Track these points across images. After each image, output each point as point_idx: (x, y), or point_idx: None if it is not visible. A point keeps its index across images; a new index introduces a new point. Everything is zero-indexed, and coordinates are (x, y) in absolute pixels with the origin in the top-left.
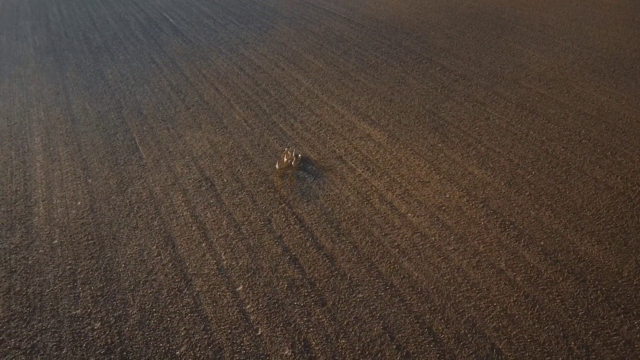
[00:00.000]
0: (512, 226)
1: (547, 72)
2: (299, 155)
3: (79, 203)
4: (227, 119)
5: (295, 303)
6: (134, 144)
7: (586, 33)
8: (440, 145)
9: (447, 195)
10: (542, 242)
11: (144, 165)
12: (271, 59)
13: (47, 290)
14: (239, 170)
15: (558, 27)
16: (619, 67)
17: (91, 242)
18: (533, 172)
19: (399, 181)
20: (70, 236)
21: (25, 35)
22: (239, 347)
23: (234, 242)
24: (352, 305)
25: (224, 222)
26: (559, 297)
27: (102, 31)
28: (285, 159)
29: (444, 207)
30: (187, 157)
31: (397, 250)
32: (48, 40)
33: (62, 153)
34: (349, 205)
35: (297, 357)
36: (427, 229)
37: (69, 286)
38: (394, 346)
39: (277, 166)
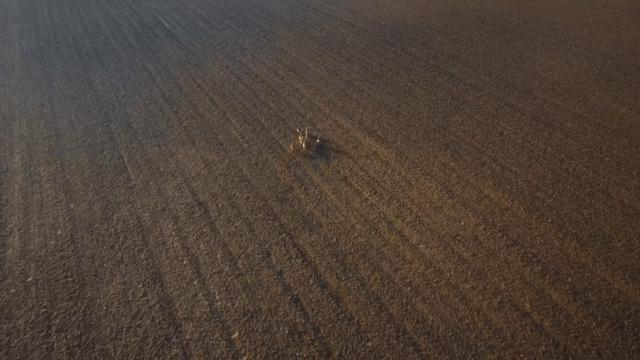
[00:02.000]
0: (535, 259)
1: (561, 81)
2: (314, 138)
3: (59, 232)
4: (223, 134)
5: (298, 354)
6: (122, 162)
7: (598, 38)
8: (452, 164)
9: (462, 223)
10: (569, 279)
11: (132, 187)
12: (270, 67)
13: (15, 341)
14: (235, 193)
15: (568, 32)
16: (636, 74)
17: (70, 279)
18: (554, 195)
19: (409, 206)
20: (47, 272)
21: (12, 40)
22: None
23: (229, 279)
24: (361, 356)
25: (219, 254)
26: (594, 346)
27: (94, 36)
28: (299, 142)
29: (459, 237)
30: (179, 178)
31: (409, 288)
32: (36, 45)
33: (43, 173)
34: (355, 235)
35: None
36: (441, 263)
37: (41, 334)
38: None
39: (291, 147)
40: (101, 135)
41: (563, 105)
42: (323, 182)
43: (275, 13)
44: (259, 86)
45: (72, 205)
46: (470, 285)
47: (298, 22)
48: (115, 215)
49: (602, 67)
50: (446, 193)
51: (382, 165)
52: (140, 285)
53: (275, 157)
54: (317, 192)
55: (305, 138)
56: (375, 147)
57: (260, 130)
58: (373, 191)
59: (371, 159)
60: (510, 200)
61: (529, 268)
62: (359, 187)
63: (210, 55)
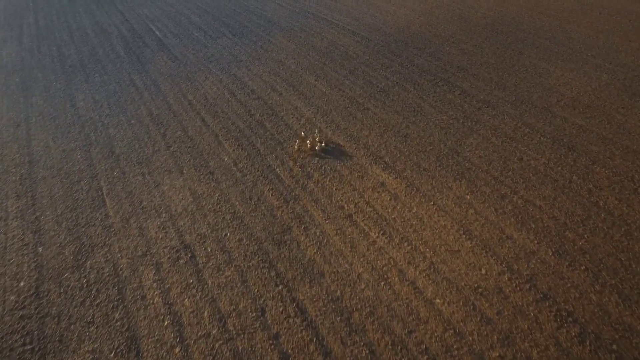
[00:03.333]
0: (570, 319)
1: (581, 97)
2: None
3: (21, 284)
4: (214, 161)
5: None
6: (101, 195)
7: (616, 47)
8: (468, 197)
9: (483, 271)
10: (614, 346)
11: (110, 226)
12: (267, 81)
13: None
14: (226, 234)
15: (584, 41)
16: None
17: (29, 347)
18: (585, 236)
19: (422, 250)
20: (1, 339)
21: None
22: None
23: (217, 345)
24: None
25: (206, 312)
26: None
27: (80, 46)
28: (304, 142)
29: (480, 289)
30: (163, 215)
31: (425, 356)
32: (17, 56)
33: (11, 209)
34: (362, 287)
35: None
36: (462, 323)
37: None
38: None
39: (296, 147)
40: (79, 162)
41: (585, 125)
42: (325, 220)
43: (273, 20)
44: (254, 104)
45: (40, 249)
46: (497, 354)
47: (297, 30)
48: (89, 262)
49: (623, 80)
50: (463, 233)
51: (390, 198)
52: (112, 354)
53: (272, 189)
54: (318, 233)
55: (311, 142)
56: (382, 177)
57: (255, 157)
58: (381, 231)
59: (379, 192)
60: (536, 242)
61: (564, 330)
62: (366, 227)
63: (203, 68)
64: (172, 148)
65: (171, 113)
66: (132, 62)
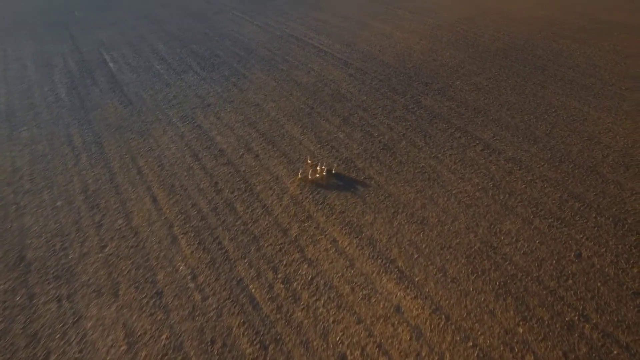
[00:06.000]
0: None
1: (630, 151)
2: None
3: None
4: (165, 272)
5: None
6: None
7: None
8: (521, 330)
9: None
10: None
11: None
12: (240, 136)
13: None
14: None
15: (612, 69)
16: None
17: None
18: None
19: None
20: None
21: None
22: None
23: None
24: None
25: None
26: None
27: (12, 85)
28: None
29: None
30: None
31: None
32: None
33: None
34: None
35: None
36: None
37: None
38: None
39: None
40: None
41: None
42: None
43: (250, 47)
44: (223, 172)
45: None
46: None
47: (279, 60)
48: None
49: None
50: None
51: (411, 336)
52: None
53: (244, 322)
54: None
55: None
56: (397, 296)
57: (221, 264)
58: None
59: (393, 325)
60: None
61: None
62: None
63: (162, 116)
64: (107, 249)
65: (113, 188)
66: (73, 108)
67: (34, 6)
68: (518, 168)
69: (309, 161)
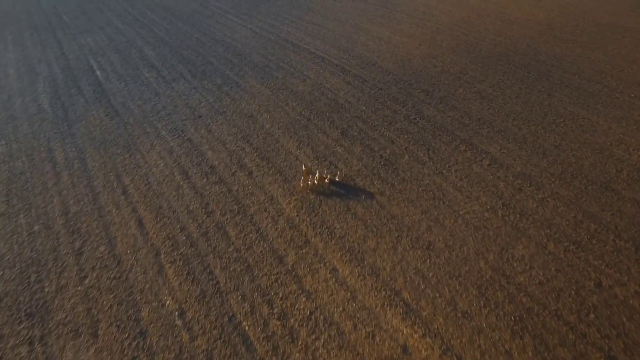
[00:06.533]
0: None
1: None
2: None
3: None
4: (150, 308)
5: None
6: None
7: None
8: None
9: None
10: None
11: None
12: (232, 151)
13: None
14: None
15: (619, 75)
16: None
17: None
18: None
19: None
20: None
21: None
22: None
23: None
24: None
25: None
26: None
27: None
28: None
29: None
30: None
31: None
32: None
33: None
34: None
35: None
36: None
37: None
38: None
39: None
40: None
41: None
42: None
43: (244, 53)
44: (214, 192)
45: None
46: None
47: (273, 66)
48: None
49: None
50: None
51: None
52: None
53: None
54: None
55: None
56: (404, 334)
57: (212, 297)
58: None
59: None
60: None
61: None
62: None
63: (150, 129)
64: (87, 281)
65: (96, 210)
66: (56, 120)
67: (19, 9)
68: (528, 185)
69: (304, 168)
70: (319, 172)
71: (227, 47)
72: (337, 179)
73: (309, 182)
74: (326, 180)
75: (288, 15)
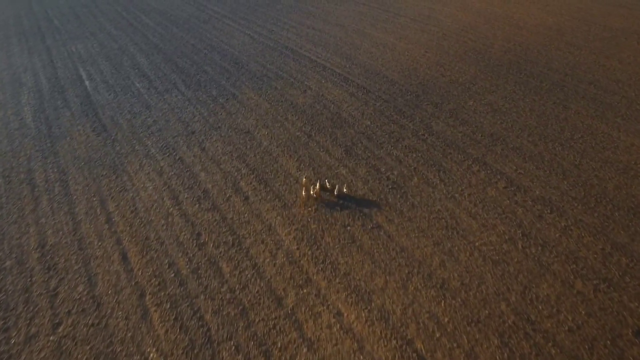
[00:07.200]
0: None
1: None
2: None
3: None
4: None
5: None
6: None
7: None
8: None
9: None
10: None
11: None
12: (227, 172)
13: None
14: None
15: (636, 84)
16: None
17: None
18: None
19: None
20: None
21: None
22: None
23: None
24: None
25: None
26: None
27: None
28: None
29: None
30: None
31: None
32: None
33: None
34: None
35: None
36: None
37: None
38: None
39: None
40: None
41: None
42: None
43: (241, 61)
44: (207, 220)
45: None
46: None
47: (272, 76)
48: None
49: None
50: None
51: None
52: None
53: None
54: None
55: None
56: None
57: (202, 349)
58: None
59: None
60: None
61: None
62: None
63: (139, 147)
64: (61, 329)
65: (76, 242)
66: (39, 136)
67: (8, 13)
68: (549, 211)
69: (304, 179)
70: (319, 183)
71: (223, 55)
72: (344, 191)
73: (312, 193)
74: (335, 192)
75: (288, 20)
